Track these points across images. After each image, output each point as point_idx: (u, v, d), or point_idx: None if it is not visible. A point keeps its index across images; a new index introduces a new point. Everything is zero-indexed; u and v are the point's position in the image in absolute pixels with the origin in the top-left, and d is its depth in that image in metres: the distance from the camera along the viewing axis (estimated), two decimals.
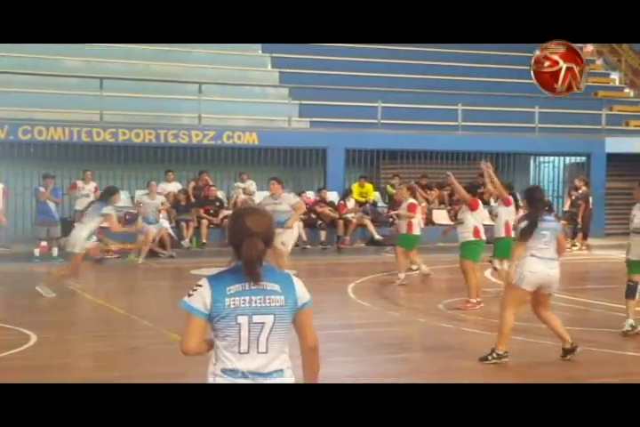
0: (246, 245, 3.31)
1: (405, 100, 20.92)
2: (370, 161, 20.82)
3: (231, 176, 19.25)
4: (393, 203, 18.81)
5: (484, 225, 11.28)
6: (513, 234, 10.67)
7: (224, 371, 3.36)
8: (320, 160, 19.89)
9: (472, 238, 10.87)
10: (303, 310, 3.43)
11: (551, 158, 23.14)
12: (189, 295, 3.38)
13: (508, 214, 11.24)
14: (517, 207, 11.04)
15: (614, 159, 21.51)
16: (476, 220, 10.99)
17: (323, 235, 18.33)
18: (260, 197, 19.33)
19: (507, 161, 21.85)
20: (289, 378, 3.41)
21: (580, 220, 19.34)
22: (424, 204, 19.63)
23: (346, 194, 19.11)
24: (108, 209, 11.28)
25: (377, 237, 18.43)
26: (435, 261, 14.51)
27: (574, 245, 19.18)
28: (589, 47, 26.48)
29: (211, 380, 3.39)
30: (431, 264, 13.95)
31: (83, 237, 11.15)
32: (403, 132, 20.05)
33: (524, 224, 7.66)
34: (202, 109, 18.84)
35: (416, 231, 13.15)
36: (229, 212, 18.04)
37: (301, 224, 18.37)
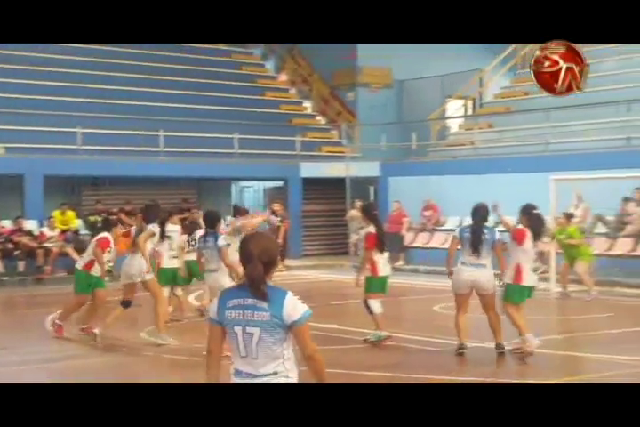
0: (248, 269, 3.88)
1: (106, 125, 20.74)
2: (71, 188, 20.33)
3: None
4: (95, 231, 18.56)
5: None
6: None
7: (234, 370, 3.97)
8: (17, 187, 19.11)
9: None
10: (295, 327, 3.91)
11: (252, 183, 24.03)
12: None
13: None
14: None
15: (309, 183, 22.76)
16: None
17: (21, 265, 17.61)
18: None
19: (209, 186, 22.38)
20: (283, 380, 3.90)
21: (280, 241, 20.19)
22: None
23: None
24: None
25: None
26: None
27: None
28: (283, 77, 27.86)
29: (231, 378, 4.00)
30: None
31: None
32: (104, 158, 19.83)
33: (467, 235, 9.20)
34: None
35: None
36: None
37: None
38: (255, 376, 3.91)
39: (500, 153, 20.79)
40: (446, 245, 19.73)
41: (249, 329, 3.87)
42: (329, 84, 27.31)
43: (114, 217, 19.25)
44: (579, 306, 13.58)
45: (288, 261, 20.67)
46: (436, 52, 23.90)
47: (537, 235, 9.33)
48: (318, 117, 26.86)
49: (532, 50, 25.61)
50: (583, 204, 16.65)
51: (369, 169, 22.65)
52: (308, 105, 27.23)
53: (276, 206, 20.44)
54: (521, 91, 24.06)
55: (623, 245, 16.45)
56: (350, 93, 26.78)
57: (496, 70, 26.05)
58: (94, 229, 18.68)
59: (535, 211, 9.47)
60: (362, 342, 10.11)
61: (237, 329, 3.89)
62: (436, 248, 19.66)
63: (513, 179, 18.62)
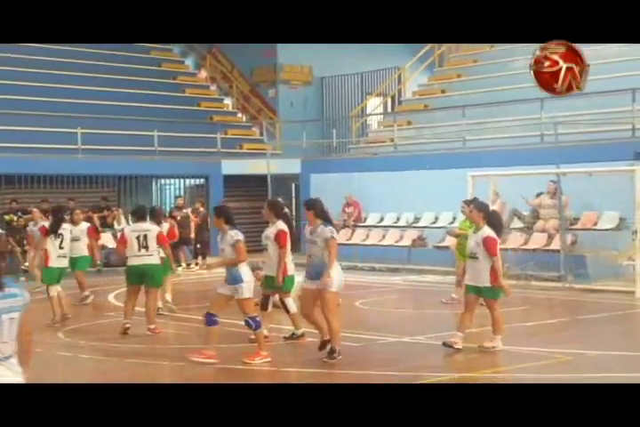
0: None
1: (23, 122, 20.31)
2: None
3: None
4: (12, 230, 18.21)
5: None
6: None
7: None
8: None
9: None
10: (24, 309, 4.40)
11: (172, 180, 23.86)
12: None
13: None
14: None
15: (230, 180, 22.71)
16: (52, 245, 11.69)
17: None
18: None
19: (129, 184, 22.13)
20: (15, 360, 4.29)
21: (201, 239, 20.07)
22: None
23: None
24: None
25: None
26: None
27: (196, 264, 19.90)
28: (203, 74, 27.71)
29: None
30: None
31: None
32: (20, 156, 19.43)
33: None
34: None
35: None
36: None
37: None
38: (5, 359, 4.23)
39: (420, 150, 21.10)
40: (368, 242, 20.17)
41: (11, 315, 4.29)
42: (249, 81, 27.29)
43: (28, 216, 18.91)
44: None
45: (210, 259, 20.56)
46: (356, 49, 24.07)
47: (499, 232, 9.27)
48: (239, 115, 26.81)
49: (449, 48, 26.07)
50: (500, 199, 17.02)
51: (290, 166, 22.72)
52: (228, 102, 27.15)
53: (198, 204, 20.33)
54: (438, 88, 24.46)
55: (538, 240, 16.89)
56: (271, 91, 26.80)
57: (414, 68, 26.39)
58: (10, 227, 18.32)
59: (491, 208, 9.56)
60: (282, 340, 10.18)
61: (5, 317, 4.27)
62: (358, 244, 19.88)
63: (432, 175, 18.94)
